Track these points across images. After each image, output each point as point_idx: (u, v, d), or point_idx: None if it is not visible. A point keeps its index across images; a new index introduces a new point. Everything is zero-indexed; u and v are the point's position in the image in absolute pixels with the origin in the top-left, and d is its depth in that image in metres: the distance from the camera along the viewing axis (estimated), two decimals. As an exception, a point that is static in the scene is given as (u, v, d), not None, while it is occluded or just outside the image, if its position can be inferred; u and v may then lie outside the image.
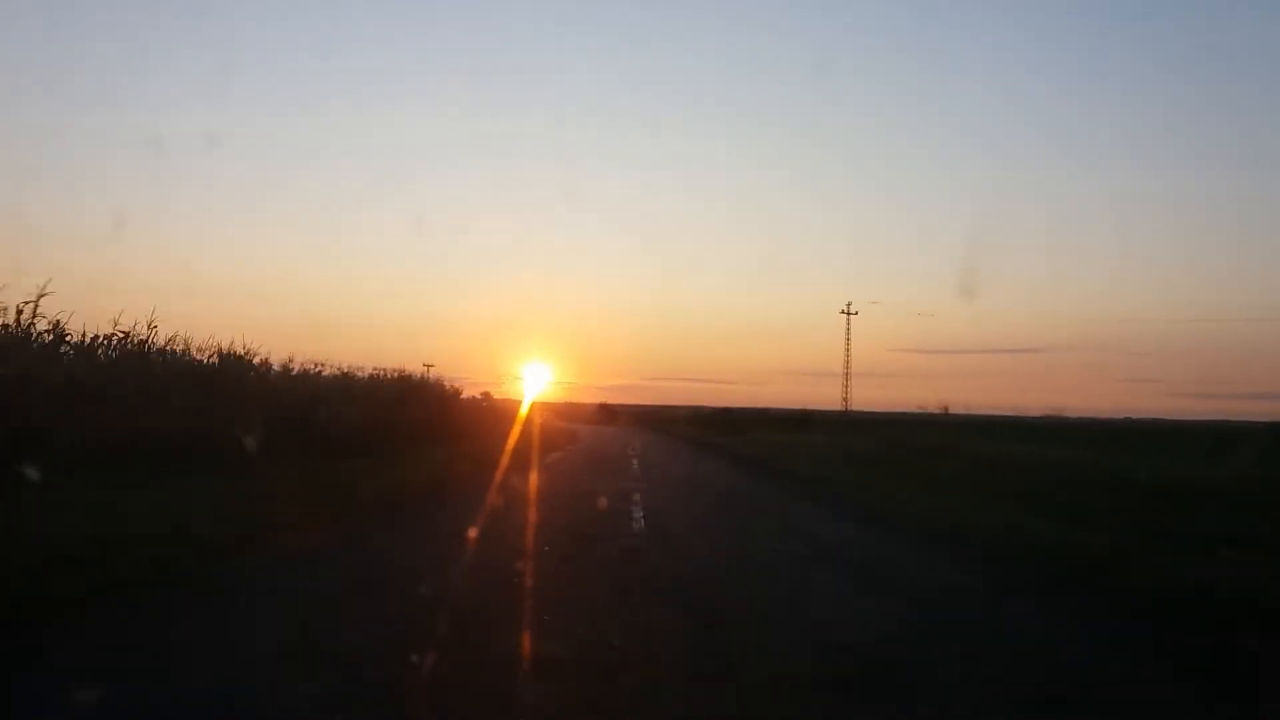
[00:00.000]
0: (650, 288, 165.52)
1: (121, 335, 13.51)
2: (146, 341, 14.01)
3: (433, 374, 31.63)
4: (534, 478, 17.43)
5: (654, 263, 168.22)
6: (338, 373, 22.81)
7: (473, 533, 10.18)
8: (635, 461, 25.78)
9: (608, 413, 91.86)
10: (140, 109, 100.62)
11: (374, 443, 19.59)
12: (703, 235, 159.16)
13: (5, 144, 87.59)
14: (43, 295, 11.80)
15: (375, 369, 26.02)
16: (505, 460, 18.33)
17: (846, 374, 76.10)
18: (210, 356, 15.81)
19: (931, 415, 53.07)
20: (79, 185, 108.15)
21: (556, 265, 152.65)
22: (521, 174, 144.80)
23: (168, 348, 14.59)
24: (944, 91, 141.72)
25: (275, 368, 18.98)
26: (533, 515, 12.01)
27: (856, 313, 75.96)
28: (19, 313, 11.63)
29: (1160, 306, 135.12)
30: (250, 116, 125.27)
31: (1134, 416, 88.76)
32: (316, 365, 21.62)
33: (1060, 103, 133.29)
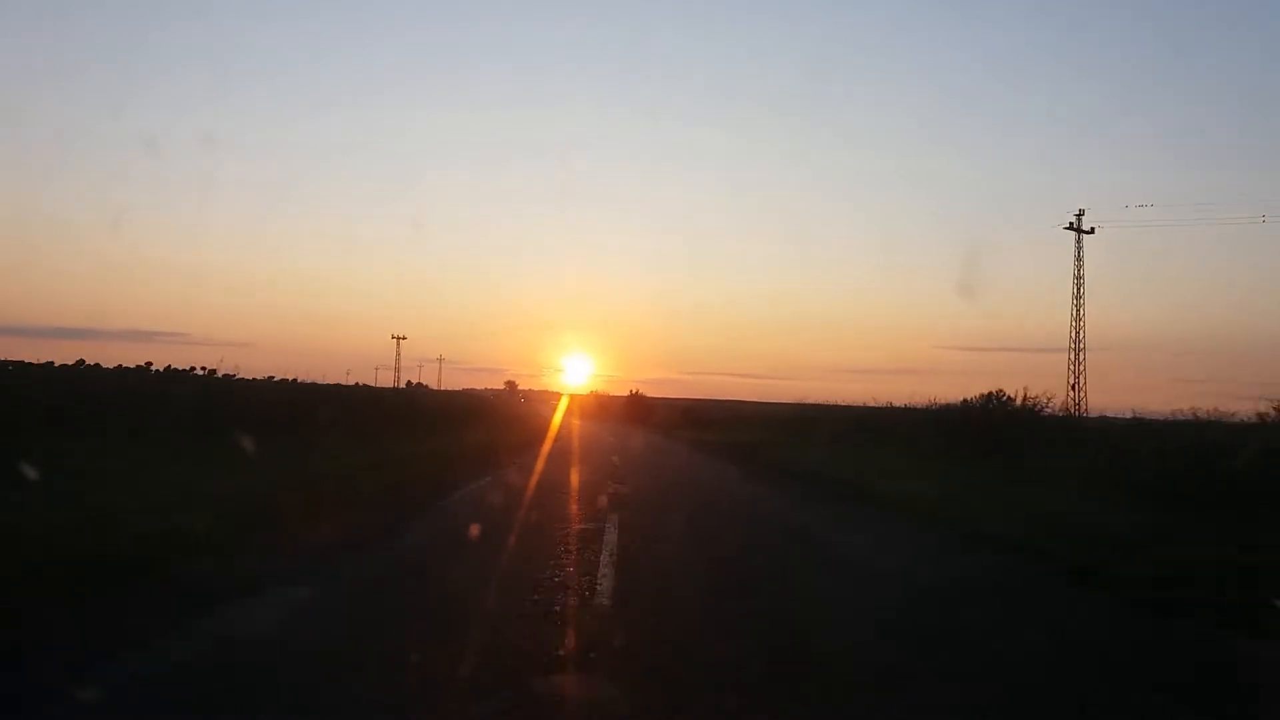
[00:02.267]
0: (689, 282, 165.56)
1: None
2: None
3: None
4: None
5: (692, 257, 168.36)
6: None
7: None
8: None
9: (640, 408, 67.33)
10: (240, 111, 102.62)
11: None
12: (740, 231, 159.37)
13: (11, 144, 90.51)
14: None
15: None
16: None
17: (1076, 345, 48.53)
18: None
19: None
20: (84, 184, 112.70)
21: (599, 260, 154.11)
22: (563, 171, 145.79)
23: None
24: (971, 92, 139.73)
25: None
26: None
27: (1091, 230, 50.56)
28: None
29: (1209, 305, 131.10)
30: (286, 119, 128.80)
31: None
32: None
33: (1082, 95, 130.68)
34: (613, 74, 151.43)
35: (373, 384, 74.40)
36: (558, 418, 49.15)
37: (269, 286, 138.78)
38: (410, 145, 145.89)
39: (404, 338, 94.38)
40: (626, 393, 74.26)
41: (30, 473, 10.48)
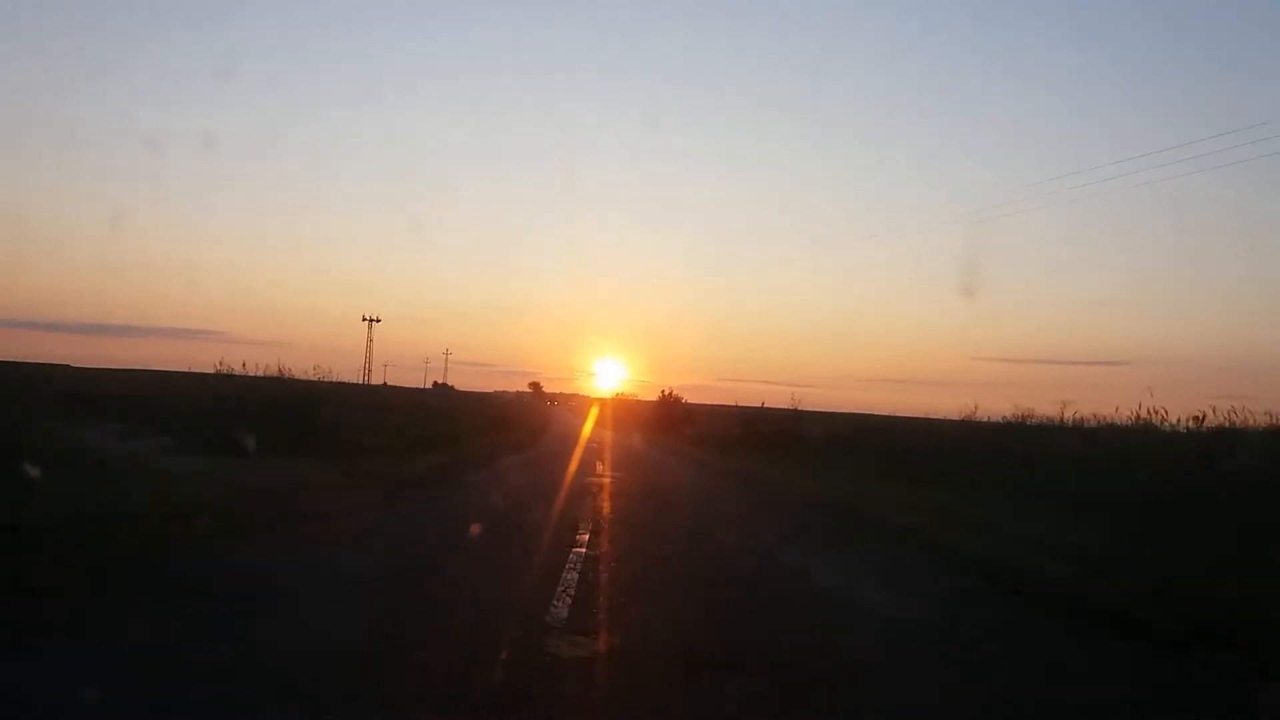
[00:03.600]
0: (724, 287, 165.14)
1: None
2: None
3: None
4: None
5: (727, 263, 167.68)
6: None
7: None
8: None
9: (674, 414, 47.99)
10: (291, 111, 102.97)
11: None
12: (772, 236, 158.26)
13: (14, 143, 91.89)
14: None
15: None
16: None
17: None
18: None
19: None
20: (88, 182, 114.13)
21: (634, 263, 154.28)
22: (602, 174, 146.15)
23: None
24: (997, 93, 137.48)
25: None
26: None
27: None
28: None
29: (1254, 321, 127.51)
30: (318, 121, 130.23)
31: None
32: None
33: (1113, 104, 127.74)
34: (639, 73, 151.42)
35: (395, 383, 72.52)
36: (587, 427, 47.54)
37: (305, 287, 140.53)
38: (448, 147, 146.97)
39: (378, 320, 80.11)
40: (657, 394, 53.87)
41: (33, 470, 10.05)
